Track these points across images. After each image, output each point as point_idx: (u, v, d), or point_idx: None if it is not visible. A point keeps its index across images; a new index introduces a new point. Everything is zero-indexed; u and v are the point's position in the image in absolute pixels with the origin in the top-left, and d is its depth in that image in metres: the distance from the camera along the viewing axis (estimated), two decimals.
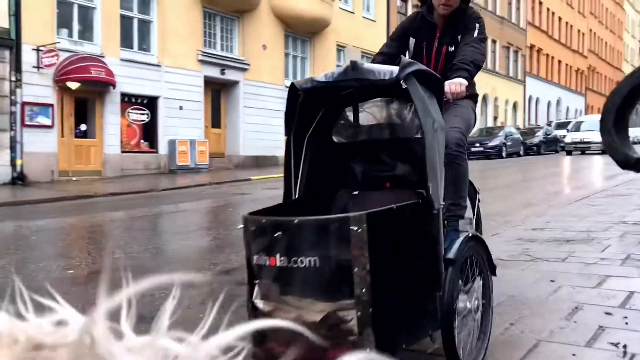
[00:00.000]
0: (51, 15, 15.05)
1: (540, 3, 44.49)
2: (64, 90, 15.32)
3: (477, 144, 26.49)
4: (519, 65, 42.00)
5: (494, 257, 4.61)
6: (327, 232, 1.91)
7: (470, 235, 2.39)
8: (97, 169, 16.22)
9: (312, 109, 2.58)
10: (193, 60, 18.66)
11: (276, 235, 1.93)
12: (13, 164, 14.31)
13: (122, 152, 16.84)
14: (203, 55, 18.95)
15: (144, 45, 17.69)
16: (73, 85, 15.14)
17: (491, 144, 26.49)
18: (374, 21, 26.63)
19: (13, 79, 14.22)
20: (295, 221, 1.93)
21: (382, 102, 2.68)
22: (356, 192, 2.71)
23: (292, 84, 2.45)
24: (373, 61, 3.22)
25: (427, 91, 2.30)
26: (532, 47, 43.50)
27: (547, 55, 46.17)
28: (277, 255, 1.93)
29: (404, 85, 2.18)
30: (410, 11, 28.66)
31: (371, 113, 2.72)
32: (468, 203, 3.25)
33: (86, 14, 16.19)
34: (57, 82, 14.97)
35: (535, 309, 3.19)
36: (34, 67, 14.53)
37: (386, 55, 3.22)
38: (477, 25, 3.05)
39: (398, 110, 2.67)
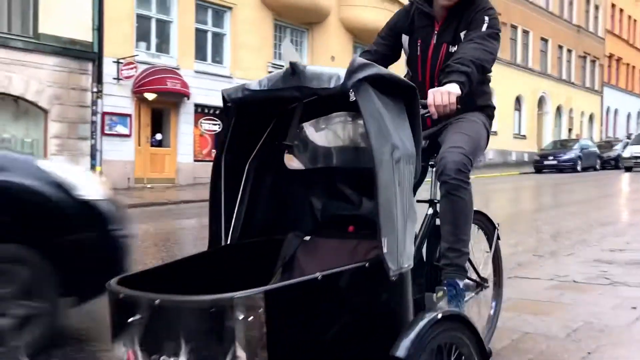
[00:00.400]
0: (131, 29, 15.77)
1: (621, 10, 42.68)
2: (141, 101, 16.00)
3: (551, 157, 25.69)
4: (596, 75, 40.40)
5: (569, 278, 4.48)
6: (201, 320, 1.30)
7: (440, 316, 1.63)
8: (170, 177, 16.82)
9: (254, 125, 1.98)
10: (263, 72, 19.03)
11: (133, 320, 1.36)
12: (93, 170, 15.06)
13: (195, 161, 17.39)
14: (273, 67, 19.29)
15: (217, 58, 18.23)
16: (150, 96, 15.79)
17: (565, 157, 25.56)
18: None
19: (94, 90, 14.98)
20: (157, 301, 1.33)
21: (346, 117, 2.06)
22: (308, 238, 2.06)
23: (222, 92, 1.89)
24: None
25: (394, 104, 1.72)
26: (610, 56, 41.77)
27: (628, 64, 44.19)
28: (136, 348, 1.38)
29: (352, 97, 1.59)
30: None
31: (334, 132, 2.09)
32: (485, 243, 2.82)
33: (163, 27, 16.86)
34: (135, 93, 15.66)
35: (616, 338, 3.04)
36: (114, 78, 15.25)
37: (373, 55, 2.59)
38: (487, 18, 2.37)
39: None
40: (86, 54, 14.77)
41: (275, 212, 2.09)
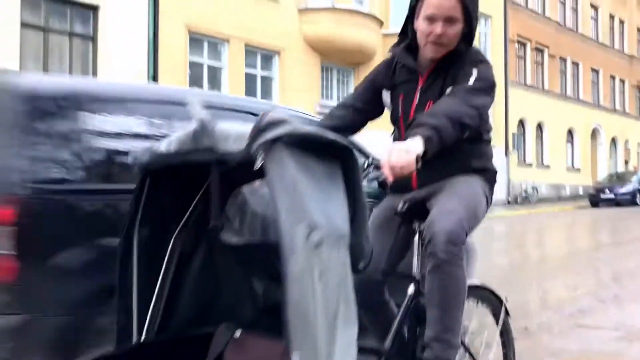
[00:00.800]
0: (184, 75, 16.38)
1: None
2: None
3: (607, 190, 24.93)
4: None
5: (636, 328, 4.28)
6: None
7: None
8: None
9: (178, 193, 1.62)
10: (311, 112, 19.31)
11: None
12: None
13: None
14: (320, 107, 19.61)
15: (267, 100, 18.68)
16: None
17: (623, 190, 24.75)
18: None
19: None
20: None
21: None
22: (238, 333, 1.64)
23: (130, 156, 1.61)
24: (328, 116, 2.31)
25: (323, 168, 1.37)
26: None
27: None
28: None
29: (258, 162, 1.27)
30: (530, 56, 27.89)
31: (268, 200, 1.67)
32: (491, 322, 2.38)
33: (215, 73, 17.46)
34: None
35: None
36: None
37: (347, 109, 2.28)
38: (475, 71, 1.99)
39: None
40: None
41: (208, 297, 1.69)
